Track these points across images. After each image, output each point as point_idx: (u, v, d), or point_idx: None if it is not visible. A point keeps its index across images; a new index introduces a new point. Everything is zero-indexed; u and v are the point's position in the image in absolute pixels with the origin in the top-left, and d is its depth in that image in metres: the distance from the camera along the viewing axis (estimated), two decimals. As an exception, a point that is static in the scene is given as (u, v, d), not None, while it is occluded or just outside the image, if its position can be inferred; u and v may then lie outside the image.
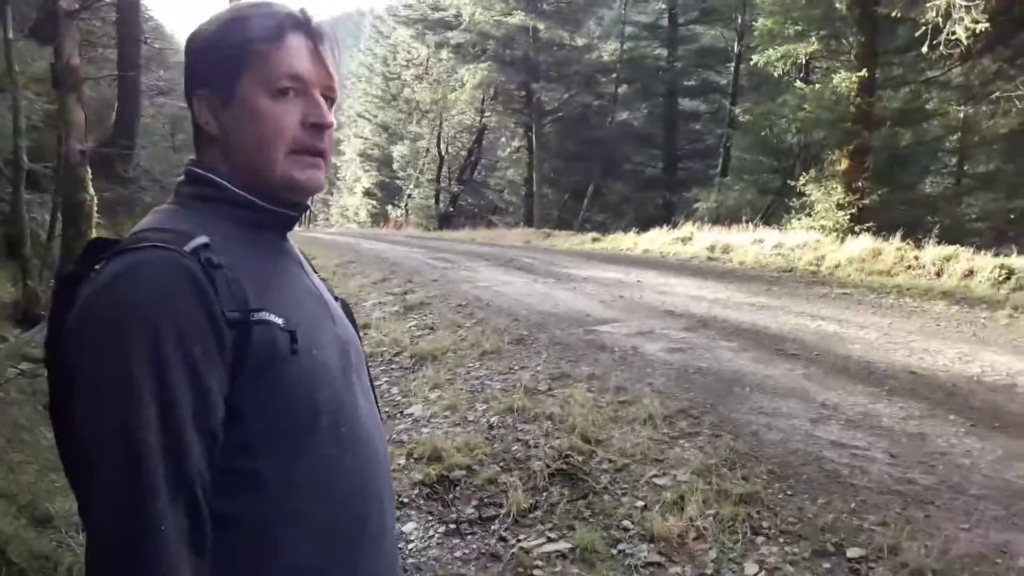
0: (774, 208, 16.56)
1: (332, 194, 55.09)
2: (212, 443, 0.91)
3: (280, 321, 0.96)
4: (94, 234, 6.45)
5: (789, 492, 3.58)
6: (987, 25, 10.06)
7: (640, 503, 3.61)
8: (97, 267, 0.93)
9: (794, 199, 15.07)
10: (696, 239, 14.30)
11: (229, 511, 0.93)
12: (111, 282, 0.90)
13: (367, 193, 42.81)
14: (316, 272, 1.22)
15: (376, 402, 1.21)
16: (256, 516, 0.94)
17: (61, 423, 0.96)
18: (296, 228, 1.15)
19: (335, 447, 1.01)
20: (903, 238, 10.54)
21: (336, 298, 1.22)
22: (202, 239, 0.94)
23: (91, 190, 6.28)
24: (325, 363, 1.02)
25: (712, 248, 13.33)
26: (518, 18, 24.58)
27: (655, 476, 3.86)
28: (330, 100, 1.07)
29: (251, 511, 0.94)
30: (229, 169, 1.04)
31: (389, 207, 40.18)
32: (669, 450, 4.15)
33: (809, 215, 14.00)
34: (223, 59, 1.02)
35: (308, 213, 55.65)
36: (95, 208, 6.48)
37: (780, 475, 3.75)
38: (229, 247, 0.97)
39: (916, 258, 9.81)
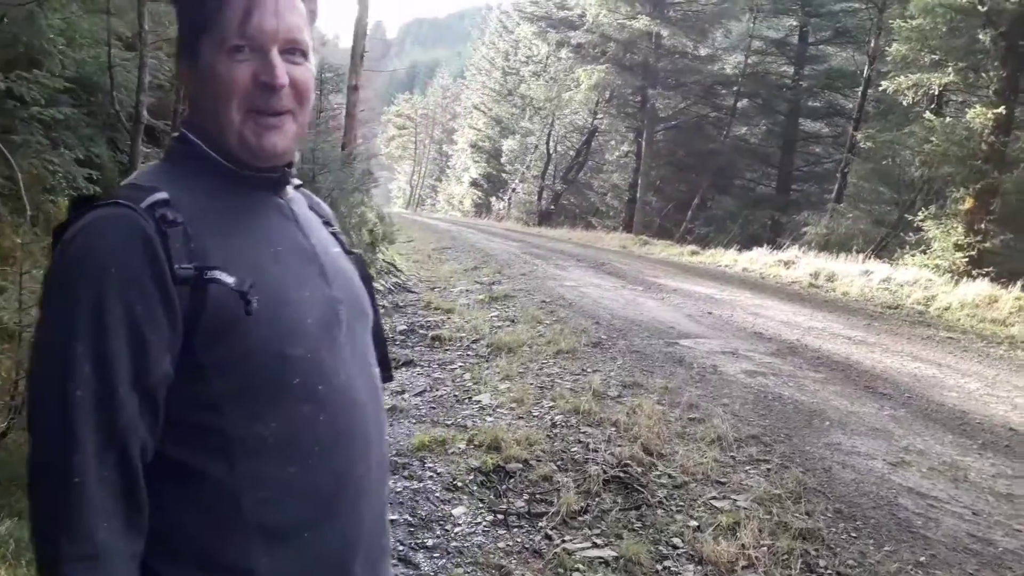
0: (887, 241, 15.72)
1: (441, 180, 56.06)
2: (153, 399, 0.91)
3: (231, 281, 0.94)
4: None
5: (854, 534, 3.40)
6: None
7: (694, 523, 3.51)
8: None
9: (910, 234, 14.29)
10: (800, 264, 13.77)
11: (195, 464, 0.94)
12: (71, 239, 0.91)
13: (473, 183, 43.31)
14: (330, 226, 1.21)
15: (386, 362, 1.20)
16: (222, 473, 0.94)
17: None
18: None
19: (309, 406, 0.99)
20: (1024, 287, 9.83)
21: (349, 252, 1.20)
22: (160, 195, 0.94)
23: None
24: (301, 320, 1.00)
25: (815, 275, 12.81)
26: (642, 23, 24.26)
27: (714, 498, 3.74)
28: (298, 52, 1.03)
29: (217, 468, 0.94)
30: (202, 128, 1.03)
31: (493, 199, 40.54)
32: (733, 474, 4.01)
33: (924, 252, 13.22)
34: (185, 21, 1.03)
35: (415, 196, 57.00)
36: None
37: (847, 515, 3.57)
38: (201, 204, 0.98)
39: (1037, 310, 9.13)
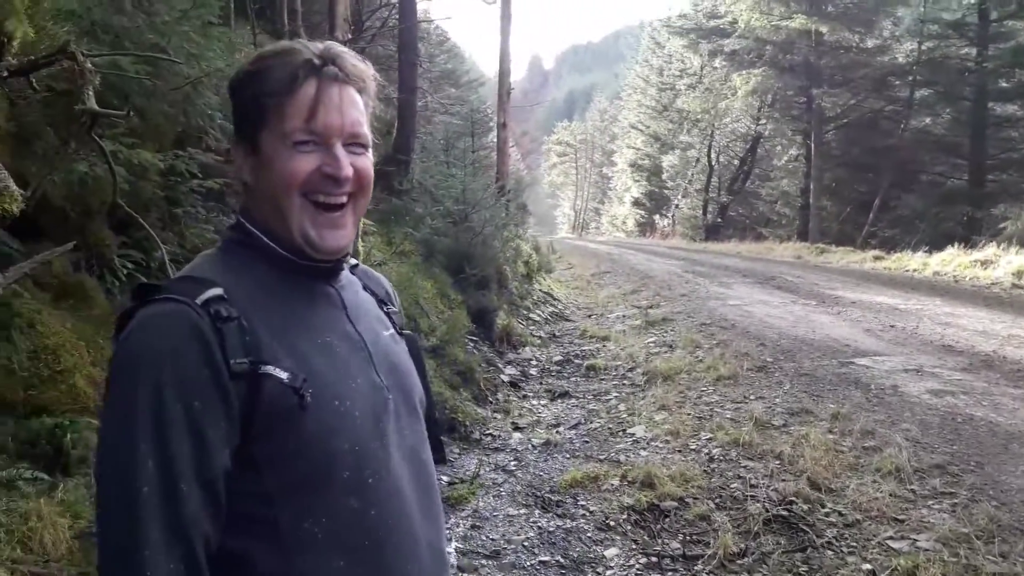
0: (1108, 228, 13.85)
1: (603, 203, 56.09)
2: (214, 491, 0.92)
3: (285, 376, 0.95)
4: (361, 245, 7.14)
5: (1061, 582, 2.96)
6: None
7: (867, 566, 3.21)
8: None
9: None
10: (1000, 263, 12.46)
11: (248, 552, 0.95)
12: (129, 334, 0.94)
13: (635, 203, 42.98)
14: (387, 305, 1.21)
15: (438, 444, 1.17)
16: (273, 563, 0.95)
17: None
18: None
19: (357, 500, 0.99)
20: None
21: (402, 333, 1.21)
22: (215, 291, 0.96)
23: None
24: (349, 413, 1.00)
25: (1019, 274, 11.53)
26: (798, 22, 23.18)
27: (891, 538, 3.41)
28: (359, 144, 1.05)
29: (268, 557, 0.95)
30: (261, 217, 1.06)
31: (656, 217, 40.00)
32: (913, 510, 3.64)
33: None
34: (243, 113, 1.05)
35: (579, 220, 57.23)
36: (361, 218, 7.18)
37: (1052, 559, 3.12)
38: (255, 295, 1.00)
39: None
